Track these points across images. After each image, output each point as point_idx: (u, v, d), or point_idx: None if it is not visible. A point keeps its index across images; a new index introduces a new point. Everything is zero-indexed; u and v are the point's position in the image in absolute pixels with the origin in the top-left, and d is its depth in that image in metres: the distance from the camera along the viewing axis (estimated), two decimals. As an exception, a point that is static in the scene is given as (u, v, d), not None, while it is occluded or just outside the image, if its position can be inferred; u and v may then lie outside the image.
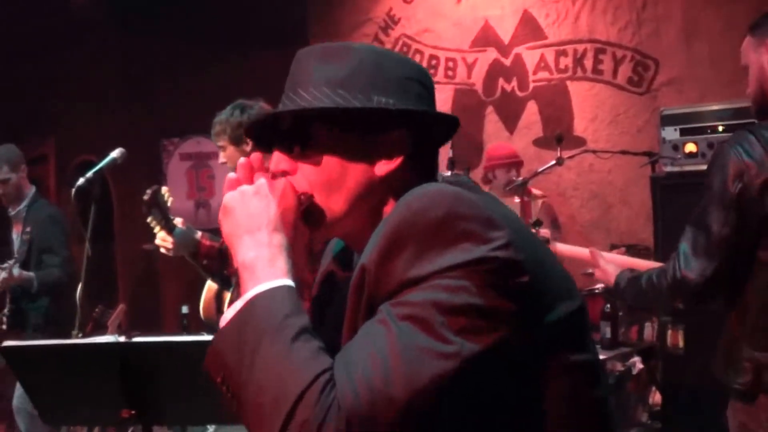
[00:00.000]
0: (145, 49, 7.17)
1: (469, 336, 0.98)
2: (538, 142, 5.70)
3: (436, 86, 1.34)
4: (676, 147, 3.96)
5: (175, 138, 7.30)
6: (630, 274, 2.49)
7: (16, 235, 4.76)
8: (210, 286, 3.52)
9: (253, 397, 1.01)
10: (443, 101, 5.98)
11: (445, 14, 6.18)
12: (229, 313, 1.10)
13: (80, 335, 3.16)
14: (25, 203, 4.74)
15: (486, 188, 5.20)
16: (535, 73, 5.89)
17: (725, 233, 2.13)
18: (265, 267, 1.11)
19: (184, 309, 5.51)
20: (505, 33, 5.99)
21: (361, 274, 1.07)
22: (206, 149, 7.04)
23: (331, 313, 1.25)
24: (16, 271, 4.40)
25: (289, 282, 1.10)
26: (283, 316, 1.04)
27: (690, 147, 3.92)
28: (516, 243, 1.03)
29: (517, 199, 4.58)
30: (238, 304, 1.09)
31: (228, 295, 3.27)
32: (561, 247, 3.10)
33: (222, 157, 3.40)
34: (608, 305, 3.74)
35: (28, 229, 4.62)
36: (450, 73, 6.13)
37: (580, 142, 5.50)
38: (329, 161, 1.20)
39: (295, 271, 1.17)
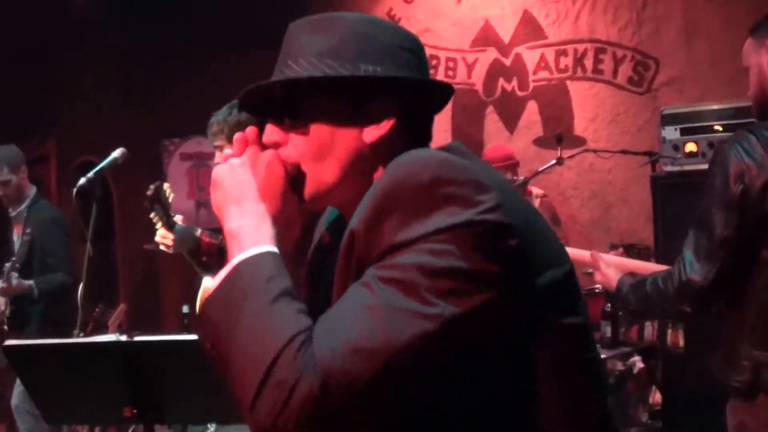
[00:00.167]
0: (145, 50, 7.17)
1: (452, 298, 0.98)
2: (538, 142, 5.70)
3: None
4: (677, 146, 3.96)
5: (175, 138, 7.30)
6: (632, 279, 2.45)
7: (16, 236, 4.75)
8: (206, 285, 3.52)
9: (234, 358, 1.02)
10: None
11: (445, 14, 6.18)
12: (216, 280, 1.11)
13: (81, 335, 3.17)
14: (26, 204, 4.73)
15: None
16: (535, 72, 5.90)
17: (727, 234, 2.13)
18: (250, 235, 1.13)
19: (185, 308, 5.52)
20: (506, 33, 5.99)
21: (350, 239, 1.07)
22: (207, 149, 7.04)
23: (324, 281, 1.25)
24: (14, 281, 4.40)
25: (273, 248, 1.12)
26: (265, 279, 1.06)
27: (690, 146, 3.92)
28: (505, 206, 1.03)
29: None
30: (224, 271, 1.11)
31: None
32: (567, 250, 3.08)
33: (218, 158, 3.36)
34: (608, 305, 3.75)
35: (28, 231, 4.62)
36: (450, 73, 6.13)
37: (581, 141, 5.50)
38: (318, 130, 1.21)
39: (288, 238, 1.22)
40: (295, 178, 1.22)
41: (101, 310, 5.05)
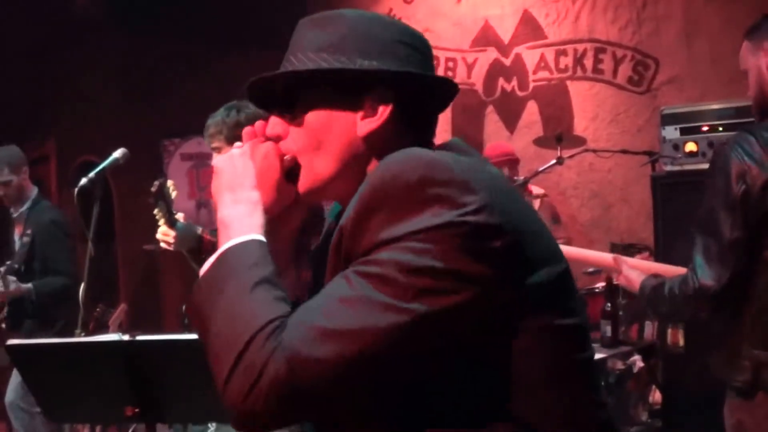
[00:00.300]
0: (145, 50, 7.17)
1: (427, 296, 1.00)
2: (538, 142, 5.70)
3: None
4: (677, 146, 3.96)
5: (175, 138, 7.30)
6: (654, 281, 2.44)
7: (17, 236, 4.75)
8: None
9: (212, 340, 1.06)
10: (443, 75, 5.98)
11: (445, 14, 6.19)
12: (204, 267, 1.15)
13: (83, 334, 3.17)
14: (27, 205, 4.73)
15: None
16: (535, 72, 5.90)
17: (736, 236, 2.12)
18: (239, 223, 1.17)
19: (185, 308, 5.51)
20: (505, 33, 6.00)
21: (339, 235, 1.10)
22: (207, 149, 6.94)
23: (323, 273, 1.27)
24: (12, 285, 4.40)
25: (260, 237, 1.15)
26: (247, 266, 1.10)
27: (690, 146, 3.92)
28: (492, 207, 1.04)
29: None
30: (212, 258, 1.15)
31: None
32: (585, 252, 3.07)
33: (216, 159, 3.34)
34: (608, 304, 3.75)
35: (28, 231, 4.61)
36: (450, 73, 6.13)
37: (581, 141, 5.51)
38: (314, 123, 1.23)
39: (285, 229, 1.29)
40: (291, 170, 1.24)
41: (102, 309, 5.05)
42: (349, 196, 1.16)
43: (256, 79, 1.27)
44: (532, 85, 5.92)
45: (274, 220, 1.25)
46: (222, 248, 1.15)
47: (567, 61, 5.79)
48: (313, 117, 1.23)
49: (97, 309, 5.00)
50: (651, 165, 4.40)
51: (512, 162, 5.21)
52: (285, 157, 1.24)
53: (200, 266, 1.19)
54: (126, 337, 2.24)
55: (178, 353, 2.22)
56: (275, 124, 1.27)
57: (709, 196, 2.21)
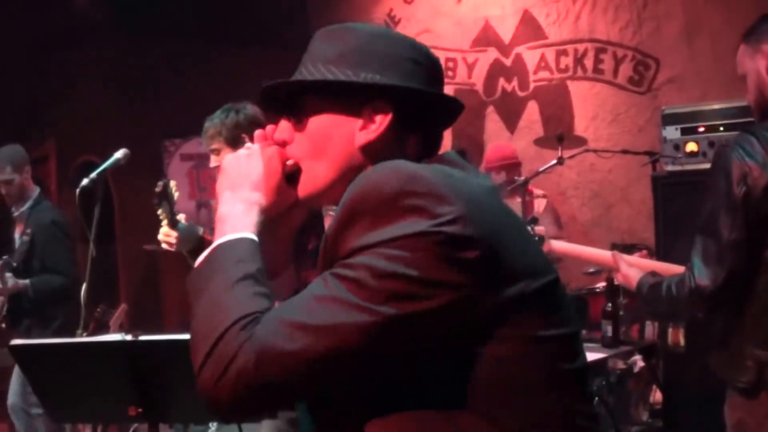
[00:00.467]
0: (145, 50, 7.18)
1: (395, 301, 1.05)
2: (538, 142, 5.71)
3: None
4: (677, 146, 3.97)
5: (176, 138, 7.31)
6: (652, 279, 2.45)
7: (17, 235, 4.77)
8: None
9: (193, 329, 1.12)
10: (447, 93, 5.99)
11: (445, 14, 6.19)
12: (197, 261, 1.21)
13: (85, 334, 3.17)
14: (28, 204, 4.74)
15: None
16: (535, 72, 5.91)
17: (734, 237, 2.12)
18: (234, 221, 1.23)
19: (191, 331, 5.49)
20: (506, 33, 6.00)
21: (324, 241, 1.15)
22: (207, 150, 7.04)
23: None
24: (10, 281, 4.41)
25: (251, 235, 1.21)
26: (234, 261, 1.16)
27: (691, 146, 3.93)
28: (467, 219, 1.08)
29: (518, 199, 4.60)
30: (205, 252, 1.21)
31: None
32: (585, 249, 3.08)
33: (214, 161, 3.32)
34: (609, 304, 3.74)
35: (28, 231, 4.63)
36: (450, 73, 6.14)
37: (581, 141, 5.52)
38: (316, 131, 1.28)
39: (285, 229, 1.36)
40: (292, 175, 1.30)
41: (103, 310, 5.04)
42: None
43: (266, 87, 1.32)
44: (532, 85, 5.92)
45: (274, 220, 1.31)
46: (214, 244, 1.20)
47: (567, 61, 5.80)
48: (315, 125, 1.28)
49: (98, 309, 4.99)
50: (652, 165, 4.40)
51: (512, 166, 5.21)
52: (287, 162, 1.30)
53: None
54: (129, 337, 2.24)
55: (180, 353, 2.21)
56: (283, 129, 1.33)
57: (709, 196, 2.21)
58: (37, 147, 7.47)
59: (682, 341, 3.74)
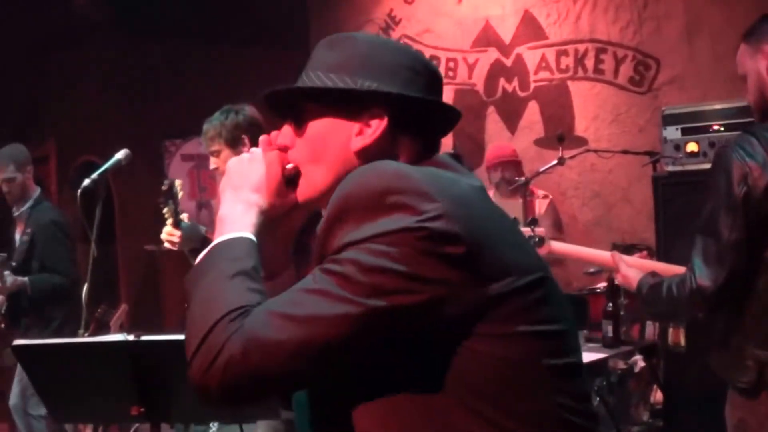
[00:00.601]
0: (146, 50, 7.18)
1: (380, 294, 1.08)
2: (539, 142, 5.71)
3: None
4: (678, 146, 3.97)
5: (176, 139, 7.31)
6: (652, 280, 2.45)
7: (18, 235, 4.78)
8: None
9: (189, 321, 1.16)
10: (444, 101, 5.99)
11: (446, 14, 6.19)
12: (197, 260, 1.26)
13: (86, 335, 3.18)
14: (29, 204, 4.75)
15: (491, 190, 5.26)
16: (536, 73, 5.90)
17: (734, 238, 2.13)
18: (233, 220, 1.28)
19: (186, 326, 5.49)
20: (506, 33, 6.00)
21: (316, 241, 1.19)
22: (208, 150, 7.03)
23: None
24: (9, 279, 4.42)
25: (249, 235, 1.26)
26: (230, 258, 1.21)
27: (692, 146, 3.93)
28: (451, 216, 1.11)
29: (520, 199, 4.61)
30: (204, 251, 1.26)
31: None
32: (584, 250, 3.08)
33: (213, 163, 3.31)
34: (610, 304, 3.75)
35: (29, 231, 4.65)
36: (451, 73, 6.14)
37: (582, 141, 5.51)
38: (314, 137, 1.33)
39: (285, 231, 1.41)
40: (292, 178, 1.35)
41: (103, 310, 5.04)
42: None
43: (267, 94, 1.36)
44: (533, 85, 5.92)
45: (275, 221, 1.36)
46: (213, 242, 1.26)
47: (568, 61, 5.80)
48: (314, 130, 1.33)
49: (99, 310, 5.00)
50: (652, 165, 4.40)
51: (509, 163, 5.23)
52: (287, 166, 1.35)
53: None
54: (131, 337, 2.25)
55: (182, 353, 2.22)
56: (285, 134, 1.37)
57: (710, 197, 2.21)
58: (38, 147, 7.46)
59: (682, 341, 3.74)
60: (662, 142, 4.10)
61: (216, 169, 3.30)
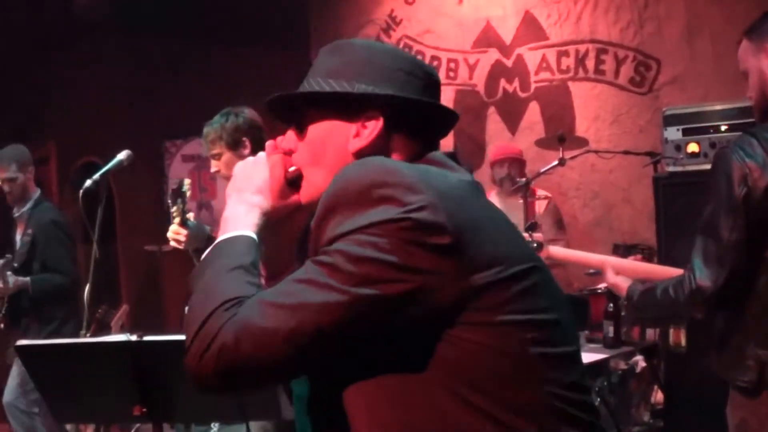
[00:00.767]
0: (147, 51, 7.18)
1: (367, 283, 1.12)
2: (540, 143, 5.71)
3: (437, 87, 1.42)
4: (679, 147, 3.97)
5: (177, 139, 7.31)
6: (642, 286, 2.46)
7: (19, 235, 4.78)
8: None
9: (187, 314, 1.21)
10: (445, 102, 5.98)
11: (446, 15, 6.19)
12: (202, 257, 1.32)
13: (88, 335, 3.18)
14: (29, 205, 4.76)
15: (493, 190, 5.26)
16: (536, 73, 5.91)
17: (734, 239, 2.13)
18: (236, 220, 1.34)
19: (186, 315, 5.50)
20: (507, 34, 6.00)
21: (310, 235, 1.23)
22: (208, 150, 7.03)
23: None
24: (11, 279, 4.43)
25: (251, 234, 1.32)
26: (230, 254, 1.27)
27: (692, 147, 3.93)
28: (436, 206, 1.15)
29: (520, 200, 4.61)
30: (208, 249, 1.31)
31: None
32: (575, 254, 3.09)
33: (215, 166, 3.31)
34: (611, 304, 3.75)
35: (29, 231, 4.65)
36: (452, 74, 6.14)
37: (582, 142, 5.51)
38: (314, 140, 1.38)
39: (289, 231, 1.44)
40: (294, 181, 1.40)
41: (104, 310, 5.06)
42: None
43: (271, 99, 1.41)
44: (533, 86, 5.93)
45: (279, 222, 1.40)
46: (216, 241, 1.32)
47: (569, 62, 5.80)
48: (314, 134, 1.38)
49: (100, 310, 5.01)
50: (653, 166, 4.41)
51: (514, 160, 5.24)
52: (290, 169, 1.40)
53: None
54: (134, 338, 2.25)
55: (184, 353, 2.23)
56: (288, 139, 1.43)
57: (710, 198, 2.21)
58: (38, 148, 7.46)
59: (683, 342, 3.75)
60: (663, 142, 4.10)
61: (217, 171, 3.30)
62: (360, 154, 1.32)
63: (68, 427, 4.48)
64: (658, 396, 4.58)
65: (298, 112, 1.40)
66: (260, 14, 6.57)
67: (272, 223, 1.38)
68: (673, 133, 4.01)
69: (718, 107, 4.01)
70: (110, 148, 3.42)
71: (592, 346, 3.71)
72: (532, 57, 5.92)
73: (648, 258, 4.18)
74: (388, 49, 1.45)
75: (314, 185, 1.37)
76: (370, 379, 1.19)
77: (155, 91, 7.14)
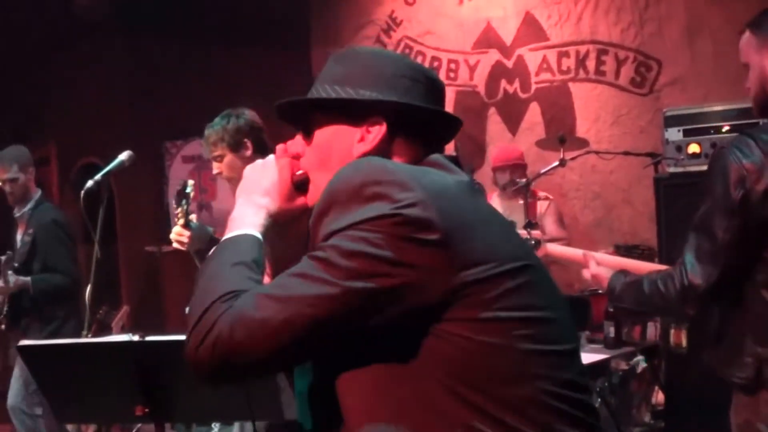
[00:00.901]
0: (147, 51, 7.18)
1: (359, 276, 1.16)
2: (540, 144, 5.72)
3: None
4: (679, 148, 3.98)
5: (177, 140, 7.31)
6: (625, 278, 2.45)
7: (20, 236, 4.79)
8: None
9: (189, 306, 1.25)
10: (445, 103, 5.99)
11: (447, 16, 6.20)
12: (208, 256, 1.37)
13: (89, 336, 3.18)
14: (30, 205, 4.77)
15: (495, 192, 5.27)
16: (537, 74, 5.91)
17: (728, 239, 2.13)
18: (243, 220, 1.40)
19: (188, 310, 5.51)
20: (508, 34, 6.01)
21: (309, 235, 1.28)
22: (209, 151, 7.02)
23: None
24: (12, 279, 4.43)
25: (256, 233, 1.37)
26: (234, 252, 1.32)
27: (693, 148, 3.94)
28: (426, 204, 1.18)
29: (521, 201, 4.61)
30: (214, 248, 1.36)
31: None
32: (552, 248, 3.09)
33: (216, 168, 3.31)
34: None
35: (30, 231, 4.66)
36: (452, 74, 6.15)
37: (583, 143, 5.52)
38: (320, 144, 1.43)
39: (296, 230, 1.47)
40: (302, 184, 1.45)
41: (104, 311, 5.06)
42: None
43: (279, 105, 1.46)
44: (534, 86, 5.93)
45: (287, 224, 1.46)
46: (222, 239, 1.37)
47: (569, 62, 5.80)
48: (320, 138, 1.43)
49: (100, 311, 5.01)
50: (654, 166, 4.41)
51: (517, 166, 5.23)
52: (297, 173, 1.45)
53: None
54: (136, 338, 2.25)
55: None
56: (296, 143, 1.48)
57: (706, 197, 2.21)
58: (39, 148, 7.47)
59: (684, 342, 3.75)
60: (664, 143, 4.11)
61: (219, 173, 3.29)
62: None
63: (69, 427, 4.50)
64: (658, 396, 4.58)
65: (305, 117, 1.44)
66: (260, 14, 6.57)
67: (279, 225, 1.43)
68: (674, 134, 4.02)
69: (719, 108, 4.01)
70: (110, 149, 3.43)
71: (593, 346, 3.72)
72: (532, 58, 5.93)
73: (648, 259, 4.19)
74: (392, 56, 1.50)
75: (320, 188, 1.36)
76: (361, 370, 1.22)
77: (155, 91, 7.14)
